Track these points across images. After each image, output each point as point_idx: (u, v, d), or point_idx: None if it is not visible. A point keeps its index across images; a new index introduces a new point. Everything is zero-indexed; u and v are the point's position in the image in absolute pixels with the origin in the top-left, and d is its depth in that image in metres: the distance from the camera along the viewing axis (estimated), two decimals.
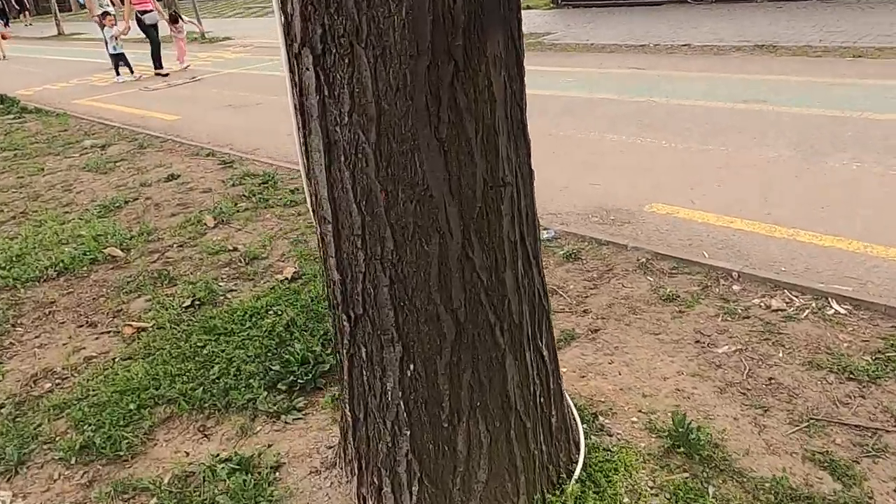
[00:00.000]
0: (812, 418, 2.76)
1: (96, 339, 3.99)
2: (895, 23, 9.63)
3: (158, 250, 5.22)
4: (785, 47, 9.90)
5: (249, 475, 2.70)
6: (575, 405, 2.75)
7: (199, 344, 3.77)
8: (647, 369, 3.19)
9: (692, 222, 4.79)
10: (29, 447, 3.05)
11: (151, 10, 13.87)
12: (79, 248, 5.20)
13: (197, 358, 3.63)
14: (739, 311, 3.61)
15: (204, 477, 2.76)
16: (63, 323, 4.21)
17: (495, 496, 2.15)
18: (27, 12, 37.94)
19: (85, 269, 4.93)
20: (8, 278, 4.79)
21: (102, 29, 13.79)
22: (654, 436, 2.73)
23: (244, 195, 6.27)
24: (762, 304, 3.66)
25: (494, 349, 2.02)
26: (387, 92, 1.66)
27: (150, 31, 13.87)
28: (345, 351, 2.07)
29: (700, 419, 2.74)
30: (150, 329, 4.02)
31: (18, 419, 3.27)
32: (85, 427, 3.12)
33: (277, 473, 2.74)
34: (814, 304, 3.58)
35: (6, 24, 29.29)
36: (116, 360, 3.73)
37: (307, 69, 1.72)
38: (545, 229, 4.70)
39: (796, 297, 3.68)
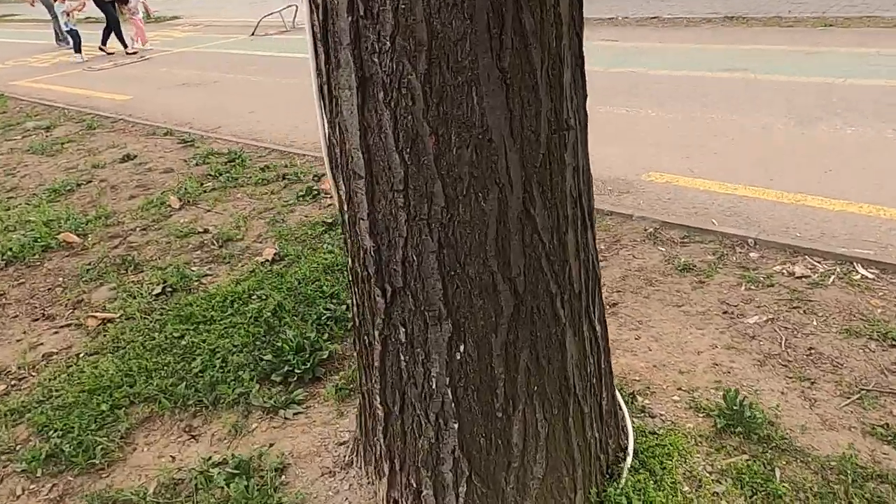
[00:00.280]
0: (863, 389, 2.56)
1: (55, 333, 3.55)
2: None
3: (119, 235, 4.75)
4: (755, 18, 9.83)
5: (251, 480, 2.35)
6: None
7: (175, 334, 3.37)
8: (678, 343, 2.95)
9: (694, 190, 4.57)
10: None
11: None
12: (28, 234, 4.69)
13: (175, 350, 3.24)
14: (762, 279, 3.40)
15: (196, 484, 2.41)
16: (16, 317, 3.75)
17: (551, 493, 1.87)
18: None
19: (37, 257, 4.43)
20: None
21: (52, 8, 12.89)
22: (700, 415, 2.49)
23: (210, 174, 5.81)
24: (784, 271, 3.46)
25: (554, 324, 1.72)
26: (440, 9, 1.33)
27: (107, 7, 13.00)
28: (376, 333, 1.74)
29: (747, 395, 2.50)
30: (118, 320, 3.59)
31: None
32: (50, 433, 2.71)
33: (284, 476, 2.40)
34: (839, 270, 3.40)
35: None
36: (81, 355, 3.31)
37: None
38: None
39: (819, 262, 3.49)
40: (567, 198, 1.66)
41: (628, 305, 3.29)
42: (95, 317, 3.61)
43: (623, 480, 2.11)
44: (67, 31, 12.93)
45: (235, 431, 2.68)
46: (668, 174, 4.87)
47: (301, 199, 5.07)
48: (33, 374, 3.18)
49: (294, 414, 2.75)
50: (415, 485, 1.86)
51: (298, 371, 2.93)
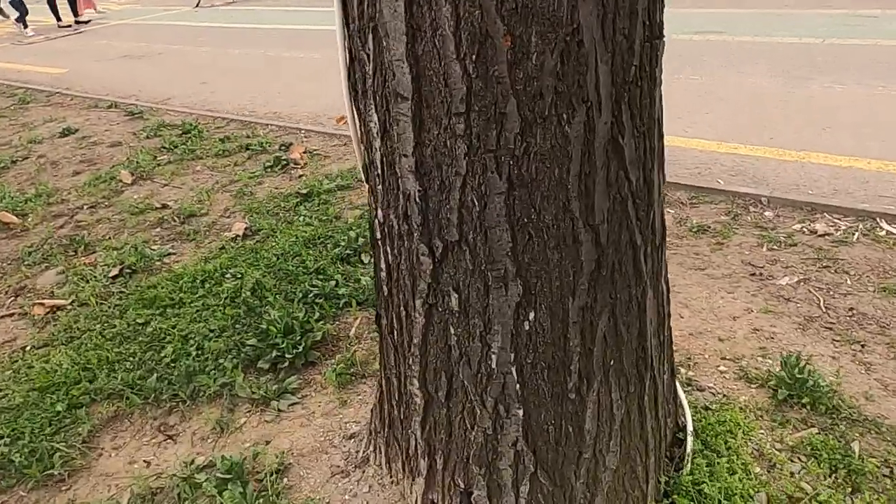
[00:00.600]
0: None
1: None
2: None
3: (64, 213, 4.23)
4: None
5: (247, 486, 1.98)
6: None
7: (138, 320, 2.94)
8: (710, 309, 2.69)
9: (693, 150, 4.33)
10: None
11: None
12: None
13: (140, 338, 2.82)
14: (783, 238, 3.18)
15: (180, 493, 2.03)
16: None
17: (623, 485, 1.57)
18: None
19: None
20: None
21: None
22: (753, 386, 2.23)
23: (164, 147, 5.29)
24: (805, 229, 3.25)
25: (636, 283, 1.41)
26: None
27: None
28: (418, 302, 1.39)
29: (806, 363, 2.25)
30: (69, 307, 3.13)
31: None
32: None
33: (286, 479, 2.04)
34: (862, 226, 3.20)
35: None
36: (28, 348, 2.85)
37: None
38: None
39: (839, 219, 3.29)
40: (655, 125, 1.34)
41: None
42: (43, 304, 3.14)
43: (688, 464, 1.83)
44: (10, 2, 11.84)
45: (221, 428, 2.30)
46: None
47: (269, 170, 4.64)
48: None
49: (289, 405, 2.38)
50: (462, 485, 1.53)
51: (289, 356, 2.56)
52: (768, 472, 1.89)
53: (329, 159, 4.79)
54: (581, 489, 1.51)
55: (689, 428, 1.92)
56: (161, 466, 2.18)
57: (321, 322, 2.78)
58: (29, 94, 7.57)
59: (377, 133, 1.31)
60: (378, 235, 1.48)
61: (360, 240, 3.40)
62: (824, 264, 2.95)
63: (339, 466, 2.05)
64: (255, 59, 8.44)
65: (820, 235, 3.19)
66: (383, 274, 1.51)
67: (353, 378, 2.50)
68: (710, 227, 3.34)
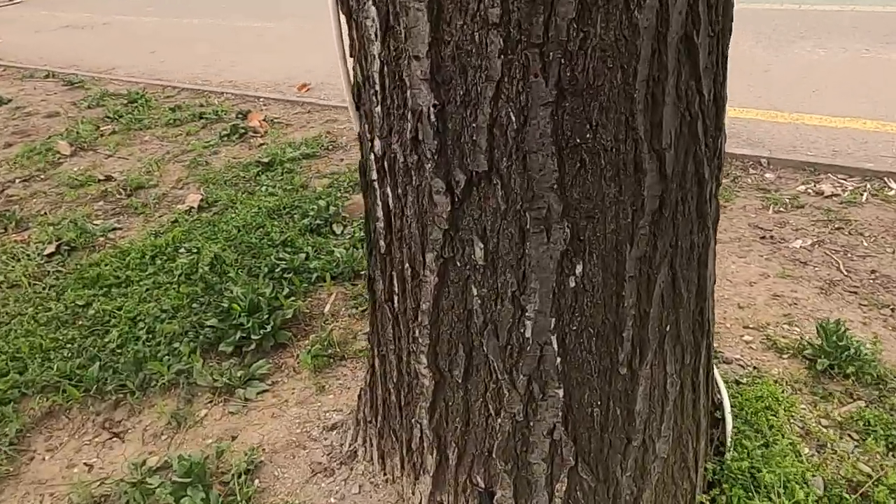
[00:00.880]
0: None
1: None
2: None
3: None
4: None
5: (210, 490, 1.66)
6: None
7: (79, 302, 2.56)
8: (723, 274, 2.46)
9: None
10: None
11: None
12: None
13: (80, 322, 2.44)
14: (787, 200, 2.97)
15: (129, 501, 1.69)
16: None
17: (672, 477, 1.30)
18: None
19: None
20: None
21: None
22: (784, 357, 1.99)
23: (108, 117, 4.83)
24: (810, 191, 3.04)
25: (699, 228, 1.13)
26: None
27: None
28: (429, 257, 1.09)
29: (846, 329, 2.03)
30: None
31: None
32: None
33: (258, 481, 1.72)
34: (870, 187, 3.01)
35: None
36: None
37: None
38: None
39: (844, 180, 3.10)
40: (729, 25, 1.05)
41: None
42: None
43: (731, 445, 1.58)
44: None
45: (177, 423, 1.96)
46: None
47: (226, 139, 4.25)
48: None
49: (258, 393, 2.05)
50: (482, 484, 1.24)
51: (256, 337, 2.22)
52: (818, 452, 1.65)
53: (292, 128, 4.42)
54: (627, 484, 1.23)
55: (727, 406, 1.67)
56: (106, 470, 1.84)
57: (291, 299, 2.44)
58: None
59: (376, 34, 0.99)
60: (374, 175, 1.16)
61: (332, 209, 3.06)
62: (836, 226, 2.74)
63: (320, 463, 1.74)
64: (209, 28, 7.92)
65: (826, 196, 2.99)
66: (380, 224, 1.19)
67: (331, 360, 2.18)
68: None
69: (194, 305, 2.46)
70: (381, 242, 1.22)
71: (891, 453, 1.62)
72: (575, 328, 1.08)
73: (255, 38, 7.16)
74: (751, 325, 2.16)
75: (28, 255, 2.96)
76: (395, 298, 1.24)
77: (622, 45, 0.89)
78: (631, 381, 1.15)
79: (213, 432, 1.94)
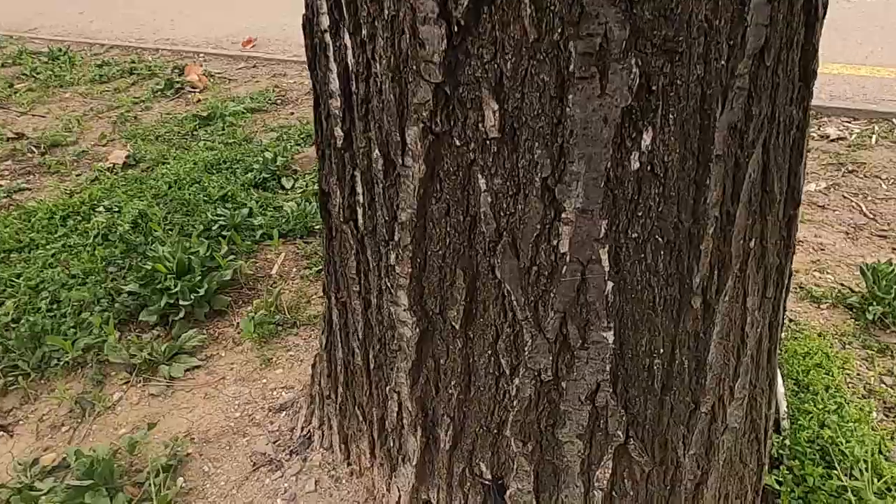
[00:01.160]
0: None
1: None
2: None
3: None
4: None
5: (116, 495, 1.25)
6: None
7: None
8: None
9: None
10: None
11: None
12: None
13: None
14: None
15: None
16: None
17: (740, 454, 0.96)
18: None
19: None
20: None
21: None
22: (823, 307, 1.68)
23: (25, 75, 4.28)
24: (815, 133, 2.76)
25: (800, 94, 0.77)
26: None
27: None
28: (412, 133, 0.70)
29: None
30: None
31: None
32: None
33: (183, 479, 1.32)
34: (878, 129, 2.74)
35: None
36: None
37: None
38: None
39: (849, 122, 2.82)
40: None
41: None
42: None
43: (786, 412, 1.25)
44: None
45: (82, 410, 1.55)
46: None
47: (159, 94, 3.76)
48: None
49: (186, 370, 1.65)
50: (488, 473, 0.87)
51: (185, 303, 1.81)
52: (886, 416, 1.34)
53: (235, 83, 3.95)
54: (690, 466, 0.88)
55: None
56: None
57: (231, 258, 2.03)
58: None
59: None
60: (325, 23, 0.76)
61: (280, 160, 2.64)
62: (849, 169, 2.46)
63: (264, 454, 1.34)
64: None
65: (833, 140, 2.71)
66: (335, 104, 0.80)
67: (280, 328, 1.78)
68: None
69: (111, 269, 2.02)
70: (338, 130, 0.83)
71: None
72: (635, 236, 0.71)
73: None
74: None
75: None
76: (360, 213, 0.85)
77: None
78: (705, 320, 0.79)
79: (128, 420, 1.52)
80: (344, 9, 0.72)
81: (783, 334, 1.57)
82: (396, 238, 0.81)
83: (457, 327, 0.82)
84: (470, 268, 0.78)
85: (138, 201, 2.42)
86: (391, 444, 1.01)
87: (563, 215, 0.70)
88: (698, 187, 0.71)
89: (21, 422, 1.56)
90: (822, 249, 1.97)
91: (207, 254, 2.00)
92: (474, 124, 0.69)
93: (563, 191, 0.69)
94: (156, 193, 2.49)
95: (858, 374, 1.44)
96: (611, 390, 0.79)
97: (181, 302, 1.81)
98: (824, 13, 0.80)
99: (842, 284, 1.74)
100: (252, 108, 3.44)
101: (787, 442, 1.16)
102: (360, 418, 1.08)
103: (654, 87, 0.65)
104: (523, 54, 0.64)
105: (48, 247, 2.19)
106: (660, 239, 0.72)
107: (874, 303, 1.56)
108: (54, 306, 1.88)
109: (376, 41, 0.71)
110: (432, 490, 0.98)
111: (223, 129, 3.15)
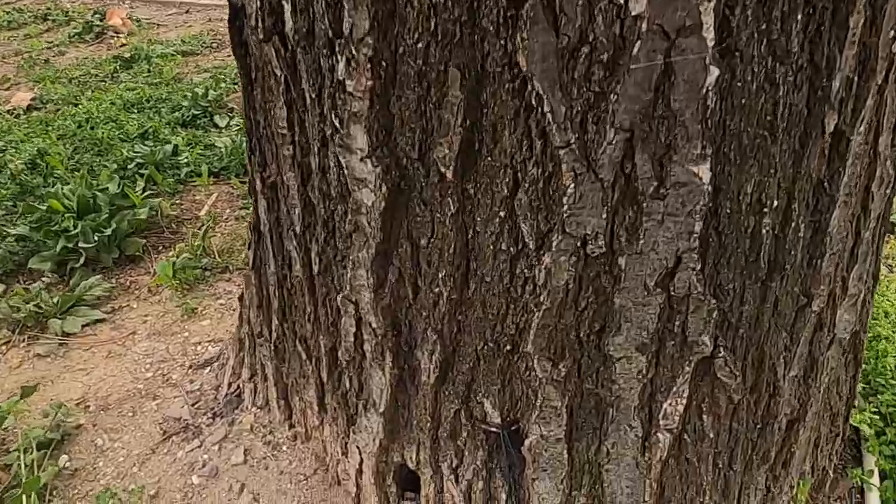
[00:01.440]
0: None
1: None
2: None
3: None
4: None
5: None
6: None
7: None
8: None
9: None
10: None
11: None
12: None
13: None
14: None
15: None
16: None
17: (838, 384, 0.67)
18: None
19: None
20: None
21: None
22: None
23: None
24: None
25: None
26: None
27: None
28: None
29: None
30: None
31: None
32: None
33: (68, 457, 0.98)
34: None
35: None
36: None
37: None
38: None
39: None
40: None
41: None
42: None
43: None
44: None
45: None
46: None
47: (77, 39, 3.32)
48: None
49: (86, 325, 1.31)
50: (494, 412, 0.57)
51: (87, 246, 1.46)
52: None
53: (165, 28, 3.53)
54: (788, 393, 0.59)
55: None
56: None
57: (150, 196, 1.67)
58: None
59: None
60: None
61: (213, 94, 2.28)
62: None
63: (179, 419, 1.01)
64: None
65: None
66: None
67: (208, 274, 1.45)
68: None
69: None
70: None
71: None
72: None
73: None
74: None
75: None
76: (289, 14, 0.53)
77: None
78: (833, 160, 0.51)
79: (4, 387, 1.16)
80: None
81: None
82: (347, 28, 0.49)
83: (448, 176, 0.51)
84: (472, 63, 0.46)
85: (41, 140, 2.02)
86: (347, 386, 0.70)
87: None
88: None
89: None
90: None
91: (119, 191, 1.63)
92: None
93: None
94: (62, 134, 2.10)
95: None
96: (697, 268, 0.49)
97: (81, 245, 1.45)
98: None
99: None
100: (183, 51, 3.04)
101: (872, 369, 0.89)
102: (304, 356, 0.77)
103: None
104: None
105: None
106: None
107: None
108: None
109: None
110: (409, 447, 0.67)
111: (149, 71, 2.76)
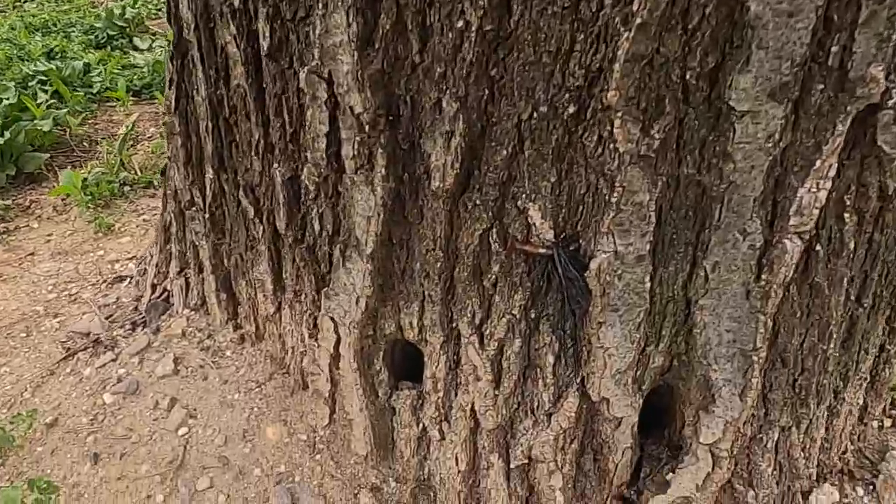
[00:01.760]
0: None
1: None
2: None
3: None
4: None
5: None
6: None
7: None
8: None
9: None
10: None
11: None
12: None
13: None
14: None
15: None
16: None
17: None
18: None
19: None
20: None
21: None
22: None
23: None
24: None
25: None
26: None
27: None
28: None
29: None
30: None
31: None
32: None
33: None
34: None
35: None
36: None
37: None
38: None
39: None
40: None
41: None
42: None
43: None
44: None
45: None
46: None
47: None
48: None
49: None
50: (545, 223, 0.37)
51: None
52: None
53: None
54: None
55: None
56: None
57: (54, 107, 1.40)
58: None
59: None
60: None
61: (130, 12, 1.99)
62: None
63: (86, 334, 0.78)
64: None
65: None
66: None
67: (129, 190, 1.21)
68: None
69: None
70: None
71: None
72: None
73: None
74: None
75: None
76: None
77: None
78: None
79: None
80: None
81: None
82: None
83: None
84: None
85: None
86: (316, 229, 0.49)
87: None
88: None
89: None
90: None
91: (15, 101, 1.36)
92: None
93: None
94: None
95: None
96: None
97: None
98: None
99: None
100: None
101: None
102: (251, 212, 0.55)
103: None
104: None
105: None
106: None
107: None
108: None
109: None
110: (407, 308, 0.47)
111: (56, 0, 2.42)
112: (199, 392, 0.64)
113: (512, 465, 0.49)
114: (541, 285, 0.43)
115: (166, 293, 0.77)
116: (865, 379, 0.51)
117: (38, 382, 0.72)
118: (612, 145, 0.37)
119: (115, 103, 1.58)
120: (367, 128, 0.42)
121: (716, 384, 0.45)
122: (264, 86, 0.48)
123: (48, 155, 1.30)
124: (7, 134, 1.25)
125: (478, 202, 0.41)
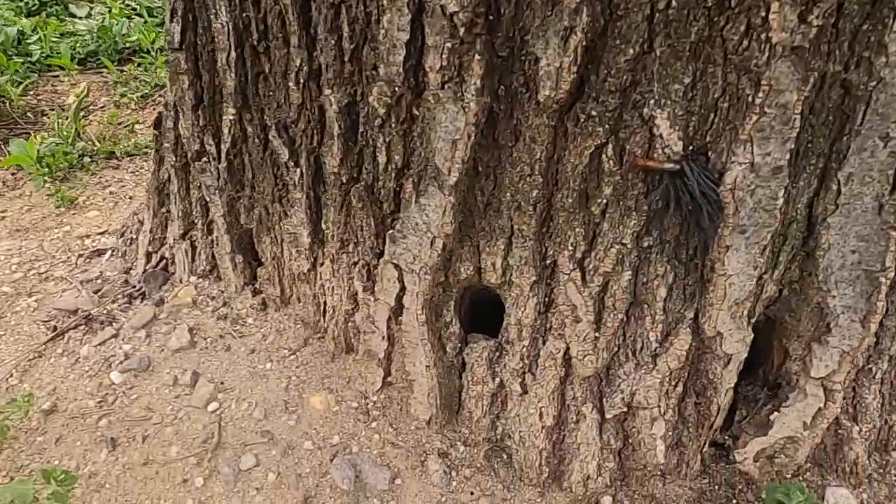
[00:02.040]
0: None
1: None
2: None
3: None
4: None
5: None
6: None
7: None
8: None
9: None
10: None
11: None
12: None
13: None
14: None
15: None
16: None
17: None
18: None
19: None
20: None
21: None
22: None
23: None
24: None
25: None
26: None
27: None
28: None
29: None
30: None
31: None
32: None
33: None
34: None
35: None
36: None
37: None
38: None
39: None
40: None
41: None
42: None
43: None
44: None
45: None
46: None
47: None
48: None
49: None
50: (672, 135, 0.32)
51: None
52: None
53: None
54: None
55: None
56: None
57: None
58: None
59: None
60: None
61: None
62: None
63: (73, 311, 0.69)
64: None
65: None
66: None
67: (89, 161, 1.10)
68: None
69: None
70: None
71: None
72: None
73: None
74: None
75: None
76: None
77: None
78: None
79: None
80: None
81: None
82: None
83: None
84: None
85: None
86: (382, 162, 0.43)
87: None
88: None
89: None
90: None
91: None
92: None
93: None
94: None
95: None
96: None
97: None
98: None
99: None
100: None
101: None
102: (285, 154, 0.48)
103: None
104: None
105: None
106: None
107: None
108: None
109: None
110: (491, 246, 0.42)
111: None
112: (225, 364, 0.57)
113: (607, 416, 0.45)
114: (658, 208, 0.38)
115: (164, 261, 0.69)
116: None
117: (24, 367, 0.63)
118: (763, 35, 0.33)
119: (58, 72, 1.44)
120: (461, 31, 0.36)
121: (833, 312, 0.41)
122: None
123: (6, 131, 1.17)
124: None
125: (592, 113, 0.36)
